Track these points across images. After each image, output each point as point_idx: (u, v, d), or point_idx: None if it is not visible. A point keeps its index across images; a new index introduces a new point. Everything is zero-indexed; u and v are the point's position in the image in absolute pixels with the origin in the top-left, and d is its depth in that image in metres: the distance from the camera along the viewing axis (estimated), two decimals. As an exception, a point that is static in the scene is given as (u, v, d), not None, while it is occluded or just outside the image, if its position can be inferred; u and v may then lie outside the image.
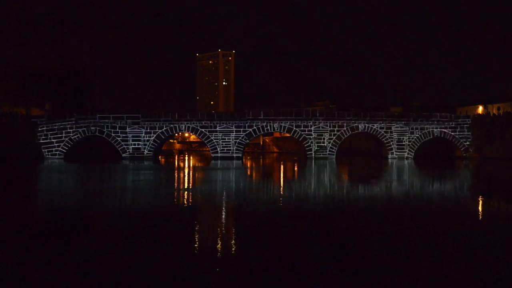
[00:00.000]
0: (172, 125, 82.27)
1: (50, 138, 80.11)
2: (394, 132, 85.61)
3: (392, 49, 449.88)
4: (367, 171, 60.17)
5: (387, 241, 16.63)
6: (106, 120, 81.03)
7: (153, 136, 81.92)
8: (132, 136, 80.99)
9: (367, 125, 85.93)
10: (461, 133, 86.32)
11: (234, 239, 16.96)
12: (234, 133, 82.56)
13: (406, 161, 77.91)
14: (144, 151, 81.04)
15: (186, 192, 31.43)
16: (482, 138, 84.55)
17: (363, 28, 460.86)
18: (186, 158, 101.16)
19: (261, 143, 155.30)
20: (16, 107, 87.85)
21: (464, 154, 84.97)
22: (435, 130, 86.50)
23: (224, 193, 31.95)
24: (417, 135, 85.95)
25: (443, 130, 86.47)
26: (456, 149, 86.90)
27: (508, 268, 13.44)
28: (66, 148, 79.81)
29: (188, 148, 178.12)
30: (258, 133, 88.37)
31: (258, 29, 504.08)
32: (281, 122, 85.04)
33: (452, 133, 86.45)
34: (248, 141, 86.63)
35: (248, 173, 55.17)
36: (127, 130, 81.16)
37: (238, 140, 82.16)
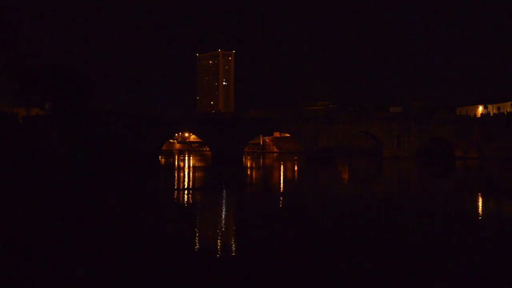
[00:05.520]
0: None
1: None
2: (394, 132, 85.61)
3: (392, 49, 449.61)
4: (366, 172, 60.15)
5: (386, 241, 16.63)
6: None
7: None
8: None
9: (366, 125, 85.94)
10: (461, 133, 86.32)
11: (234, 239, 16.97)
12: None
13: (405, 161, 77.85)
14: None
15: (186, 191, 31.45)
16: (482, 138, 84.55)
17: (363, 28, 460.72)
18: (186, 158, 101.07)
19: (261, 143, 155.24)
20: (16, 107, 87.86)
21: (464, 154, 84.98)
22: (434, 130, 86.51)
23: (224, 192, 31.96)
24: (417, 135, 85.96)
25: (442, 130, 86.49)
26: (456, 149, 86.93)
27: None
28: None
29: (188, 148, 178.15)
30: None
31: (258, 29, 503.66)
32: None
33: (452, 133, 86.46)
34: None
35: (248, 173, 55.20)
36: None
37: None
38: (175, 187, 35.99)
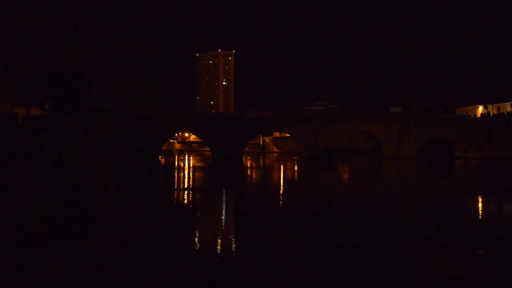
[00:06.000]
0: None
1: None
2: (394, 132, 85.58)
3: (392, 49, 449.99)
4: (366, 172, 60.16)
5: (386, 241, 16.63)
6: None
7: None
8: None
9: (366, 125, 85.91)
10: (461, 133, 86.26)
11: (234, 239, 16.97)
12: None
13: (405, 161, 77.84)
14: None
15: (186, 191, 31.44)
16: (482, 138, 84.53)
17: (363, 28, 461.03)
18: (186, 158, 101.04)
19: (261, 143, 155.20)
20: (16, 107, 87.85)
21: (464, 154, 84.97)
22: (434, 130, 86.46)
23: (224, 192, 31.95)
24: (417, 135, 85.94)
25: (442, 130, 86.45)
26: (456, 149, 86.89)
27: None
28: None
29: (188, 148, 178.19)
30: None
31: (258, 29, 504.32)
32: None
33: (452, 133, 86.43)
34: None
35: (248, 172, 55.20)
36: None
37: None
38: (175, 187, 35.98)
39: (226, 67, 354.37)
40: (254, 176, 51.39)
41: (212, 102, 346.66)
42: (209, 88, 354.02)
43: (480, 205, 26.88)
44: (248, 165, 72.36)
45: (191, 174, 51.39)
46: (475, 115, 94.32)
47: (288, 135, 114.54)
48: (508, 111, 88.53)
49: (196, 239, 16.92)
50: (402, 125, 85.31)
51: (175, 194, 30.58)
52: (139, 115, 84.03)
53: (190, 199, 28.41)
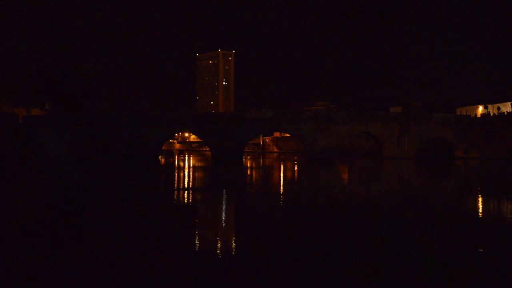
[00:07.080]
0: None
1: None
2: (394, 132, 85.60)
3: (392, 49, 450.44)
4: (366, 172, 60.18)
5: (386, 241, 16.64)
6: None
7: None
8: None
9: (366, 125, 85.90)
10: (461, 133, 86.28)
11: (234, 239, 16.97)
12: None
13: (405, 161, 77.88)
14: None
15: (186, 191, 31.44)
16: (482, 138, 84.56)
17: (363, 28, 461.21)
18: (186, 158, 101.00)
19: (261, 143, 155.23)
20: (16, 107, 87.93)
21: (464, 154, 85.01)
22: (434, 130, 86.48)
23: (224, 192, 31.94)
24: (417, 135, 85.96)
25: (442, 130, 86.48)
26: (456, 149, 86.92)
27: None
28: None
29: (188, 148, 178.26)
30: None
31: (258, 29, 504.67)
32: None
33: (452, 133, 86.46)
34: None
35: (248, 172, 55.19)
36: None
37: None
38: (175, 187, 35.98)
39: (226, 67, 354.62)
40: (254, 176, 51.39)
41: (212, 102, 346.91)
42: (209, 88, 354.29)
43: (480, 205, 26.88)
44: (248, 165, 72.35)
45: (191, 174, 51.35)
46: (475, 115, 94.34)
47: (288, 135, 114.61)
48: (508, 111, 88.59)
49: (196, 239, 16.92)
50: (402, 125, 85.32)
51: (175, 194, 30.57)
52: (139, 115, 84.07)
53: (190, 199, 28.40)
